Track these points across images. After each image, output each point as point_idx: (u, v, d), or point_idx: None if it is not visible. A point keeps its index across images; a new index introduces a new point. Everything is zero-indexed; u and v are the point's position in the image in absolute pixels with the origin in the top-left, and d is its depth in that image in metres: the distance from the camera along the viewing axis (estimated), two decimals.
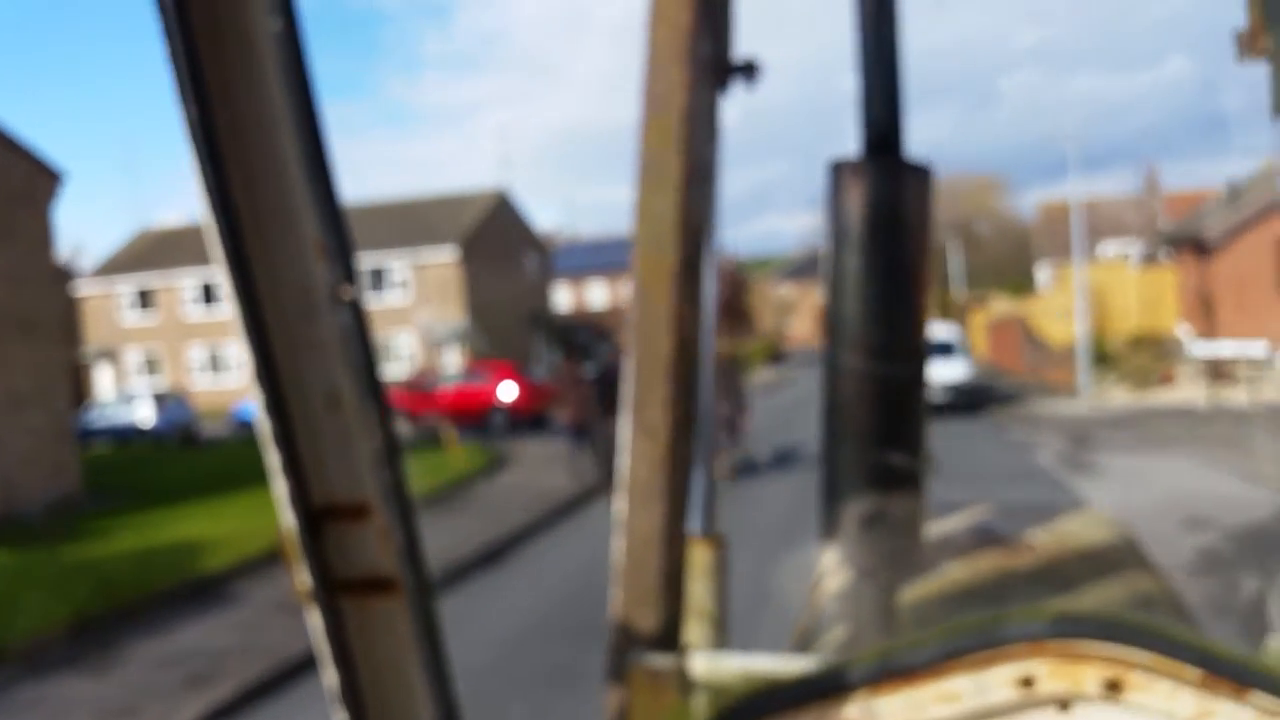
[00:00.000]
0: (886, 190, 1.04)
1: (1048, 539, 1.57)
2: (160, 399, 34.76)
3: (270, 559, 12.55)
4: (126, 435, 33.54)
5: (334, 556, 0.91)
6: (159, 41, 0.79)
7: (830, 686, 1.00)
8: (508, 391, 29.12)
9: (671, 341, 1.01)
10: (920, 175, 1.05)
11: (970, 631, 0.99)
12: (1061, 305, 36.53)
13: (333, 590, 0.90)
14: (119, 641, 9.51)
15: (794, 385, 40.90)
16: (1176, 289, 35.21)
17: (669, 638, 1.06)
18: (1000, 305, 51.41)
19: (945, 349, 27.23)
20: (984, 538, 1.60)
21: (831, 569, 1.48)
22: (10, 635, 9.42)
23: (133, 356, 52.87)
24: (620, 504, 1.07)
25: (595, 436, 17.34)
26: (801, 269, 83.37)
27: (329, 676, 0.91)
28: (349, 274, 0.86)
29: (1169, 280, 35.96)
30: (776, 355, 65.90)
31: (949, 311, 64.29)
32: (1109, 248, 52.43)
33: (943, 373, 26.03)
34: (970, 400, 26.18)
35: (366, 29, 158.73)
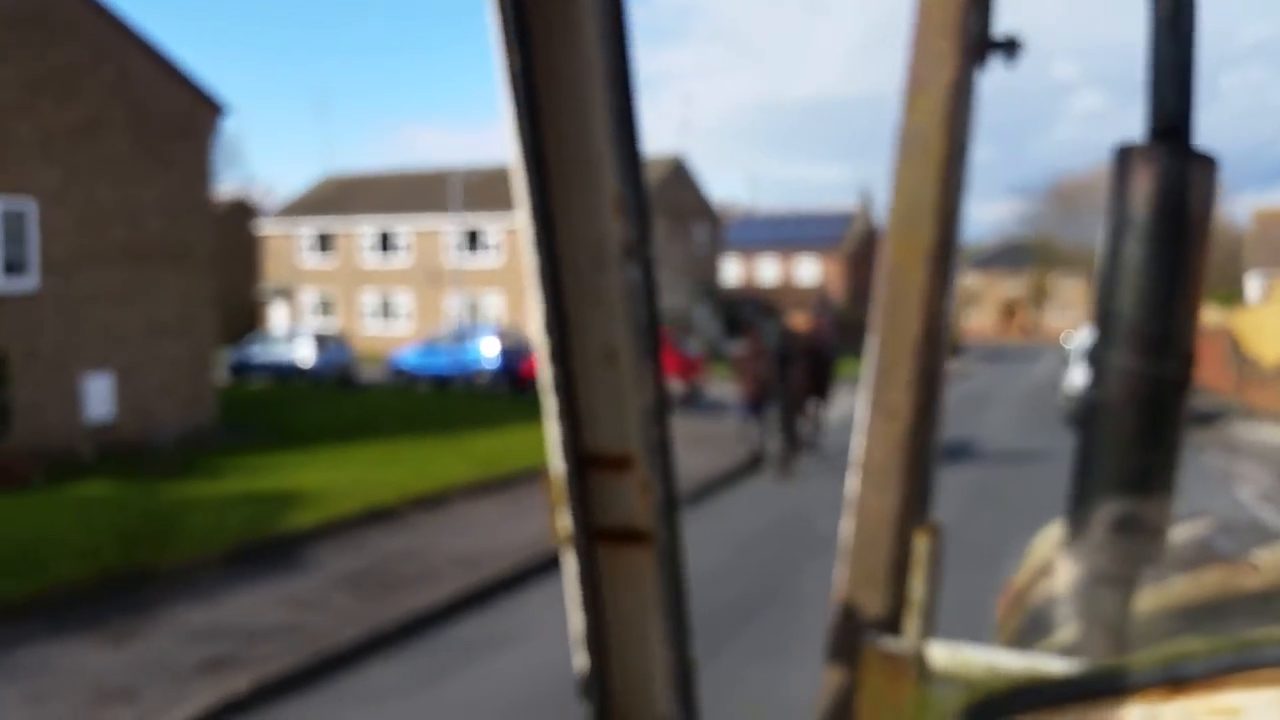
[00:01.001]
0: (1174, 179, 0.96)
1: (1273, 560, 1.38)
2: (321, 340, 35.00)
3: (364, 521, 11.68)
4: (286, 372, 34.02)
5: (595, 504, 0.93)
6: None
7: (1103, 688, 0.96)
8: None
9: (920, 323, 0.99)
10: (1208, 165, 0.97)
11: (1252, 646, 0.94)
12: (1273, 318, 32.94)
13: (590, 537, 0.93)
14: (155, 604, 8.67)
15: (970, 380, 38.47)
16: None
17: (894, 624, 1.03)
18: (1206, 315, 47.37)
19: None
20: (1206, 553, 1.42)
21: (1058, 567, 1.39)
22: (42, 583, 8.70)
23: (308, 297, 54.08)
24: (853, 485, 1.03)
25: (769, 411, 17.04)
26: (990, 259, 79.57)
27: (575, 620, 0.94)
28: (643, 232, 0.88)
29: None
30: (956, 348, 63.03)
31: None
32: None
33: None
34: None
35: None
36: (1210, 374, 37.53)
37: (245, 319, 53.85)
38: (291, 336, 35.09)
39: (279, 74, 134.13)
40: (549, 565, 10.17)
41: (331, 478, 14.34)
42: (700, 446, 18.61)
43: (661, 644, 0.97)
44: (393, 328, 50.49)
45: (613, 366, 0.91)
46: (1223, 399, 31.70)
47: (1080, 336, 26.73)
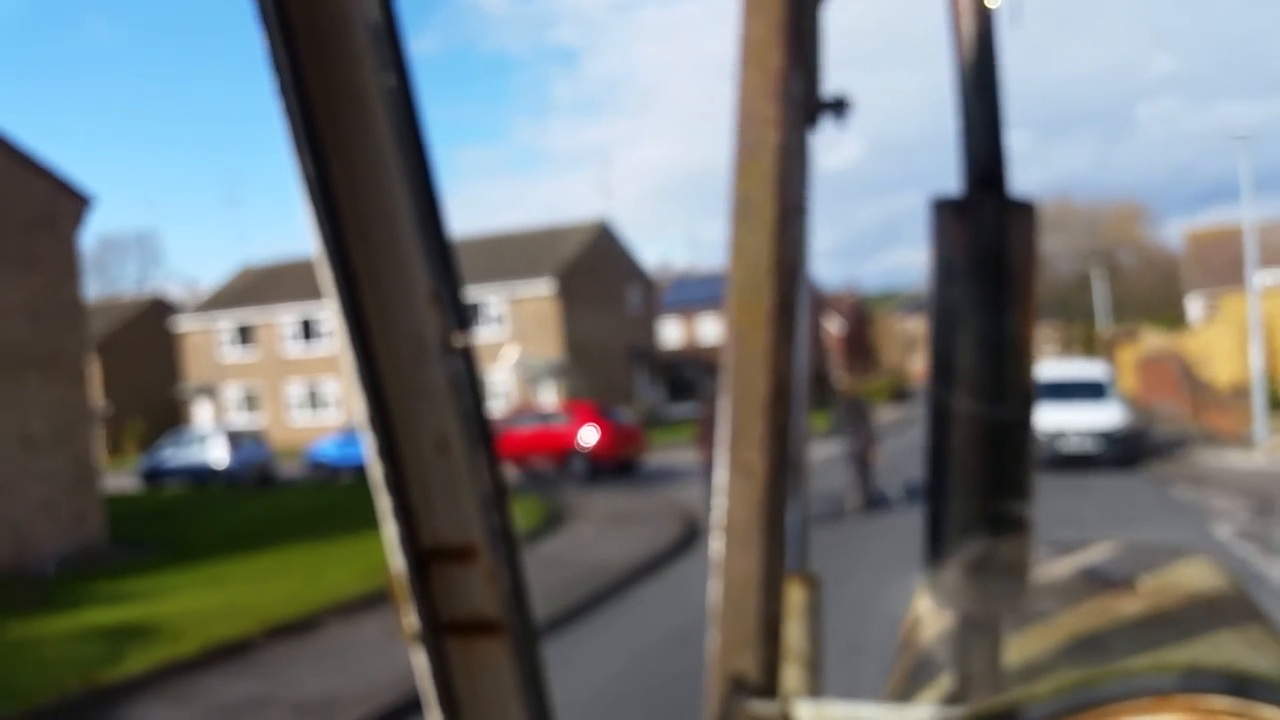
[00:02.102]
0: (990, 228, 0.99)
1: (1156, 584, 1.52)
2: (235, 437, 33.13)
3: (206, 661, 9.83)
4: (201, 475, 32.10)
5: (440, 598, 0.93)
6: (273, 96, 0.82)
7: None
8: (588, 435, 26.17)
9: (768, 381, 1.01)
10: (1025, 212, 1.00)
11: (1095, 684, 0.99)
12: (1225, 339, 31.99)
13: (438, 632, 0.93)
14: None
15: (919, 425, 37.11)
16: None
17: (769, 683, 1.04)
18: (1152, 340, 46.45)
19: (1094, 390, 23.26)
20: (1091, 581, 1.55)
21: (930, 615, 1.50)
22: None
23: (232, 392, 52.01)
24: (717, 546, 1.04)
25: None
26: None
27: (433, 718, 0.94)
28: (461, 321, 0.89)
29: None
30: (900, 393, 62.08)
31: (1093, 346, 59.59)
32: (1266, 278, 47.36)
33: (1093, 418, 22.08)
34: (1126, 451, 22.11)
35: (498, 76, 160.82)
36: (1162, 399, 36.47)
37: (168, 420, 51.57)
38: (204, 437, 33.13)
39: (192, 167, 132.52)
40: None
41: (202, 601, 12.53)
42: (623, 526, 16.92)
43: None
44: (321, 418, 48.55)
45: (445, 457, 0.91)
46: (1179, 425, 30.54)
47: (1044, 369, 25.48)
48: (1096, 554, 1.73)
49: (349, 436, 32.03)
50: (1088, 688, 0.97)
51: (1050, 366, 26.06)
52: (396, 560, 0.91)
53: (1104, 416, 22.08)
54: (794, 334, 1.05)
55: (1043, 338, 78.95)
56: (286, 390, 50.64)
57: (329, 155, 0.86)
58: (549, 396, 43.45)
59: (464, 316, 0.91)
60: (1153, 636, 1.26)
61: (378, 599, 12.25)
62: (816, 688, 1.30)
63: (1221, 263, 53.67)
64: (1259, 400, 23.70)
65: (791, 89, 1.00)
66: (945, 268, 0.99)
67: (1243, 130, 24.82)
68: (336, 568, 14.63)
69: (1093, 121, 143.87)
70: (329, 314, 0.88)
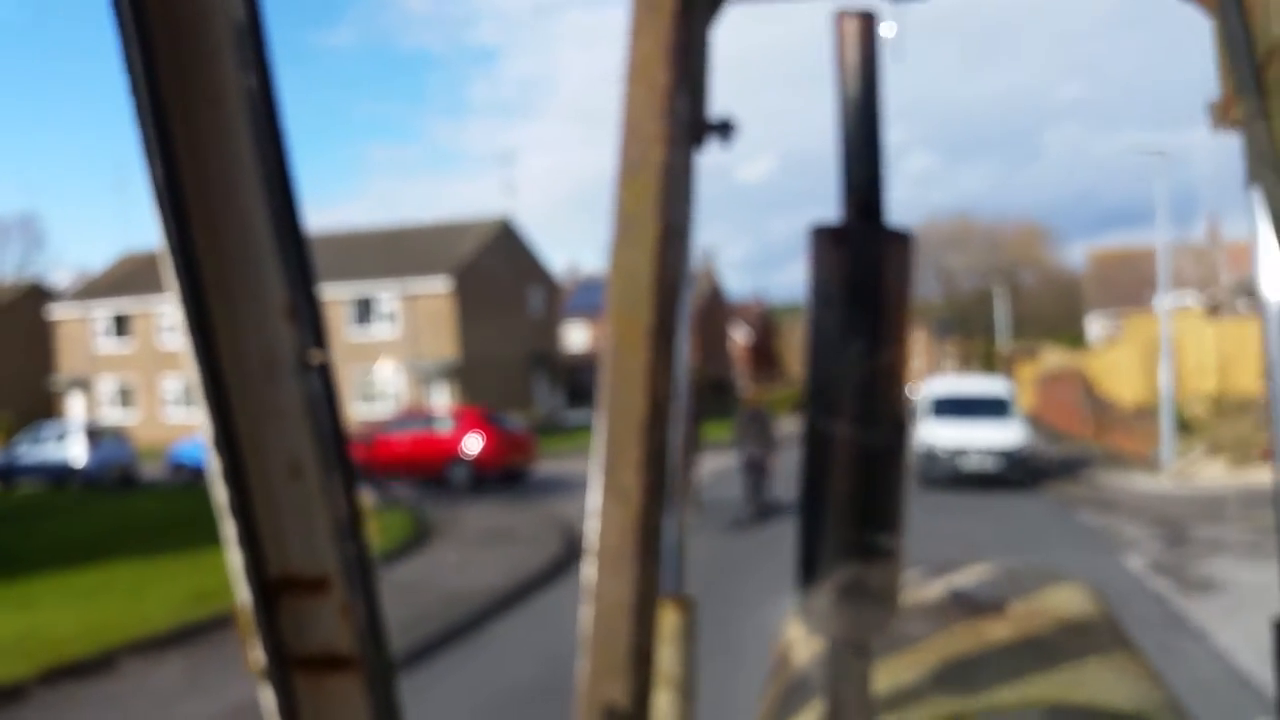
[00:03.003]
0: (866, 256, 1.00)
1: (1025, 609, 1.55)
2: (95, 435, 30.86)
3: (3, 697, 8.21)
4: (59, 474, 29.79)
5: (289, 632, 0.88)
6: (124, 92, 0.78)
7: None
8: (472, 443, 24.62)
9: (645, 402, 1.01)
10: (901, 242, 1.01)
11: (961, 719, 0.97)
12: (1129, 359, 31.63)
13: (287, 667, 0.88)
14: None
15: None
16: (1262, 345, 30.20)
17: (640, 712, 1.03)
18: (1052, 358, 46.32)
19: (996, 407, 22.46)
20: (962, 605, 1.57)
21: (802, 639, 1.51)
22: None
23: (106, 386, 49.22)
24: (589, 570, 1.03)
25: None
26: None
27: None
28: (318, 338, 0.85)
29: (1251, 333, 30.94)
30: (799, 406, 61.47)
31: (993, 363, 59.69)
32: (1165, 300, 47.78)
33: (993, 436, 21.25)
34: (1027, 471, 21.33)
35: (416, 74, 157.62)
36: (1063, 418, 36.13)
37: (40, 413, 48.54)
38: (61, 433, 30.79)
39: (80, 151, 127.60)
40: None
41: (2, 628, 10.77)
42: (495, 546, 15.46)
43: None
44: (198, 416, 46.02)
45: (298, 482, 0.86)
46: (1080, 445, 30.06)
47: (926, 388, 24.66)
48: (968, 576, 1.76)
49: None
50: None
51: (951, 382, 25.28)
52: (242, 591, 0.85)
53: (1005, 435, 21.31)
54: (673, 354, 1.04)
55: (942, 353, 79.39)
56: (162, 385, 48.06)
57: (180, 157, 0.80)
58: (441, 399, 41.72)
59: (321, 332, 0.85)
60: (1018, 665, 1.31)
61: (194, 632, 10.65)
62: (690, 714, 1.28)
63: (1123, 283, 54.22)
64: (1166, 422, 23.12)
65: (677, 108, 1.01)
66: (823, 293, 1.00)
67: (1159, 147, 24.24)
68: (163, 588, 12.97)
69: (998, 145, 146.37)
70: (177, 325, 0.81)
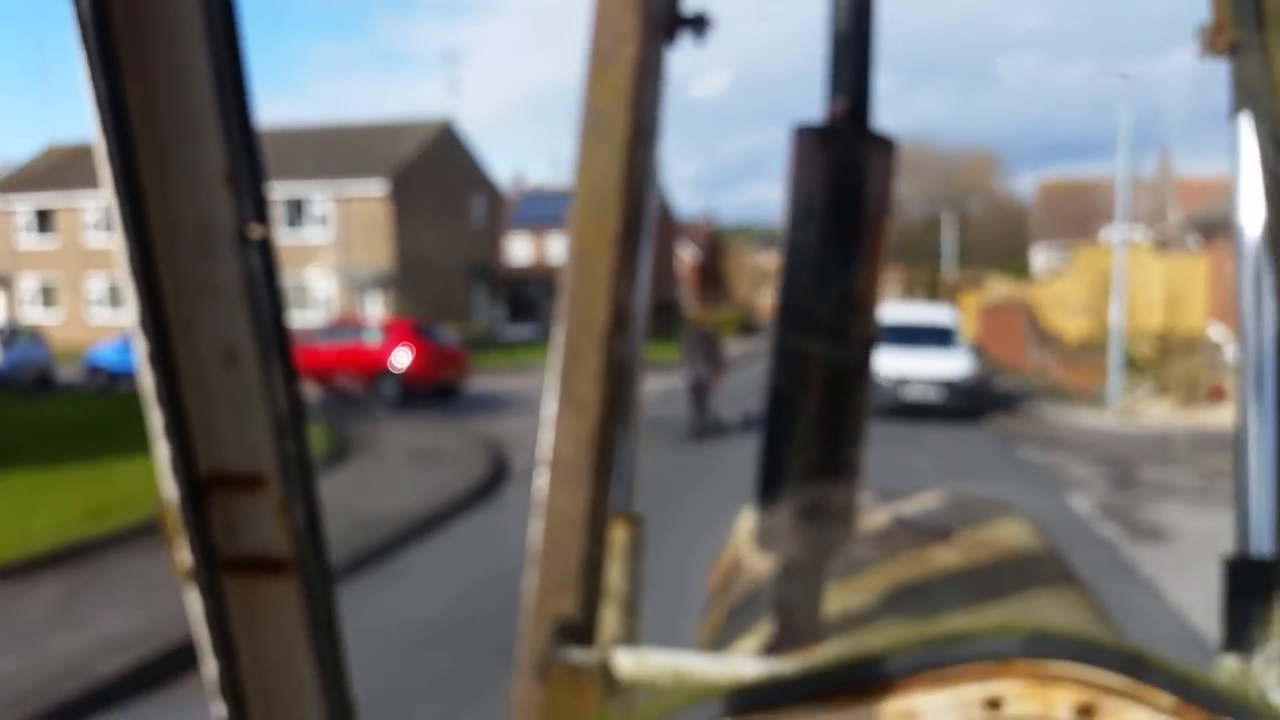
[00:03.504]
0: (850, 161, 1.00)
1: (972, 538, 1.53)
2: (7, 335, 29.34)
3: None
4: None
5: (220, 532, 0.83)
6: None
7: (786, 694, 0.94)
8: (401, 357, 23.65)
9: (607, 311, 0.96)
10: (885, 147, 1.01)
11: (934, 645, 0.97)
12: (1076, 291, 31.25)
13: (216, 569, 0.83)
14: None
15: (765, 359, 35.78)
16: (1209, 281, 29.95)
17: (588, 628, 1.01)
18: (998, 288, 45.99)
19: (941, 336, 21.90)
20: (909, 531, 1.56)
21: (750, 559, 1.48)
22: None
23: (28, 283, 47.28)
24: (541, 482, 1.00)
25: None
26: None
27: (208, 666, 0.84)
28: (260, 210, 0.78)
29: (1200, 271, 30.65)
30: (748, 326, 61.16)
31: (938, 291, 59.45)
32: (1112, 234, 47.69)
33: (938, 366, 20.70)
34: (971, 403, 20.85)
35: None
36: (1006, 350, 35.84)
37: None
38: None
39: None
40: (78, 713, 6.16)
41: None
42: (416, 466, 14.64)
43: (313, 687, 0.86)
44: (124, 317, 44.33)
45: (233, 370, 0.80)
46: (1024, 378, 29.75)
47: (888, 312, 24.06)
48: (915, 504, 1.75)
49: (130, 342, 28.77)
50: (927, 648, 0.96)
51: (895, 309, 24.67)
52: (169, 487, 0.79)
53: (949, 365, 20.78)
54: (638, 262, 1.00)
55: (887, 279, 79.23)
56: (87, 285, 46.26)
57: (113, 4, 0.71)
58: (375, 309, 40.52)
59: (264, 204, 0.78)
60: (966, 592, 1.31)
61: (78, 552, 9.75)
62: (634, 633, 1.26)
63: (1071, 215, 54.00)
64: (1115, 358, 22.72)
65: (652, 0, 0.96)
66: (803, 200, 0.97)
67: (1124, 71, 23.45)
68: (57, 501, 11.98)
69: (955, 69, 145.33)
70: (103, 193, 0.73)
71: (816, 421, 0.98)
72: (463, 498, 12.63)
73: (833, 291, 0.96)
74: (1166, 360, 23.87)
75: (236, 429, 0.81)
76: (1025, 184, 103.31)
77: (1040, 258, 53.88)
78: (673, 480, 13.46)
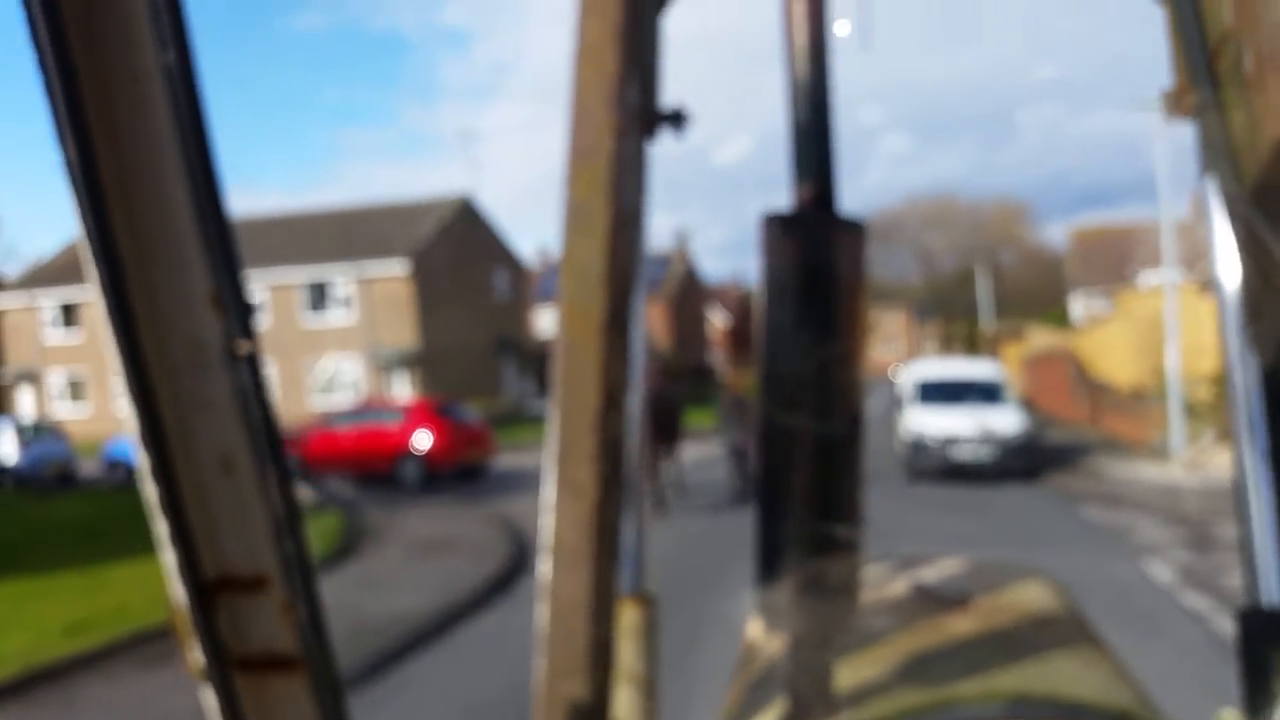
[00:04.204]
0: (819, 246, 1.02)
1: (990, 604, 1.55)
2: (24, 431, 28.83)
3: None
4: None
5: (228, 633, 0.86)
6: (34, 70, 0.75)
7: None
8: (421, 438, 22.72)
9: (599, 395, 0.99)
10: (854, 231, 1.04)
11: (923, 713, 0.98)
12: (1123, 338, 29.96)
13: (228, 669, 0.86)
14: None
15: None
16: None
17: (601, 711, 1.02)
18: (1039, 338, 44.62)
19: (988, 391, 20.70)
20: (926, 599, 1.58)
21: (764, 636, 1.53)
22: None
23: (55, 379, 47.01)
24: (545, 568, 1.01)
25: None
26: None
27: None
28: (246, 327, 0.83)
29: None
30: (758, 397, 60.02)
31: (977, 344, 58.12)
32: (1151, 278, 46.47)
33: (987, 423, 19.42)
34: (1025, 461, 19.52)
35: (387, 57, 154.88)
36: (1054, 401, 34.44)
37: None
38: None
39: (31, 136, 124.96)
40: None
41: None
42: (429, 558, 13.56)
43: None
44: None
45: (231, 477, 0.84)
46: (1076, 430, 28.39)
47: (909, 372, 22.94)
48: (933, 571, 1.75)
49: None
50: (914, 716, 0.92)
51: (937, 365, 23.51)
52: (178, 591, 0.83)
53: (999, 421, 19.54)
54: (628, 345, 1.03)
55: (923, 335, 77.94)
56: (114, 378, 45.80)
57: (95, 139, 0.76)
58: (403, 389, 39.79)
59: (249, 320, 0.83)
60: (982, 659, 1.30)
61: (45, 677, 8.77)
62: (653, 714, 1.28)
63: (1107, 261, 52.75)
64: (1175, 406, 21.40)
65: (628, 96, 1.01)
66: (775, 283, 1.00)
67: (1150, 120, 22.40)
68: (39, 614, 11.09)
69: (974, 125, 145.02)
70: (98, 315, 0.79)
71: (809, 497, 0.99)
72: (475, 594, 11.59)
73: (811, 369, 0.98)
74: (1225, 406, 22.49)
75: (237, 532, 0.84)
76: (1055, 232, 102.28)
77: (1079, 305, 52.58)
78: (718, 545, 12.74)
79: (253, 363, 0.82)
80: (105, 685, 8.51)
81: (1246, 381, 1.15)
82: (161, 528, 0.82)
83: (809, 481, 0.99)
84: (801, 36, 0.99)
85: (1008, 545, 13.05)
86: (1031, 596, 1.62)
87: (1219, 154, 1.18)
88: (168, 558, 0.83)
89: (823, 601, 1.00)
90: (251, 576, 0.85)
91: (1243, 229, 1.16)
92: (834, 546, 1.00)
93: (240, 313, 0.82)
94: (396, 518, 17.35)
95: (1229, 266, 1.18)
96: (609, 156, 0.98)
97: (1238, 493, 1.15)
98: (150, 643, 9.80)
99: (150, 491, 0.82)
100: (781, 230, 1.00)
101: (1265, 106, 1.14)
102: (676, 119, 1.21)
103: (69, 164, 0.76)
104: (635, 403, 1.22)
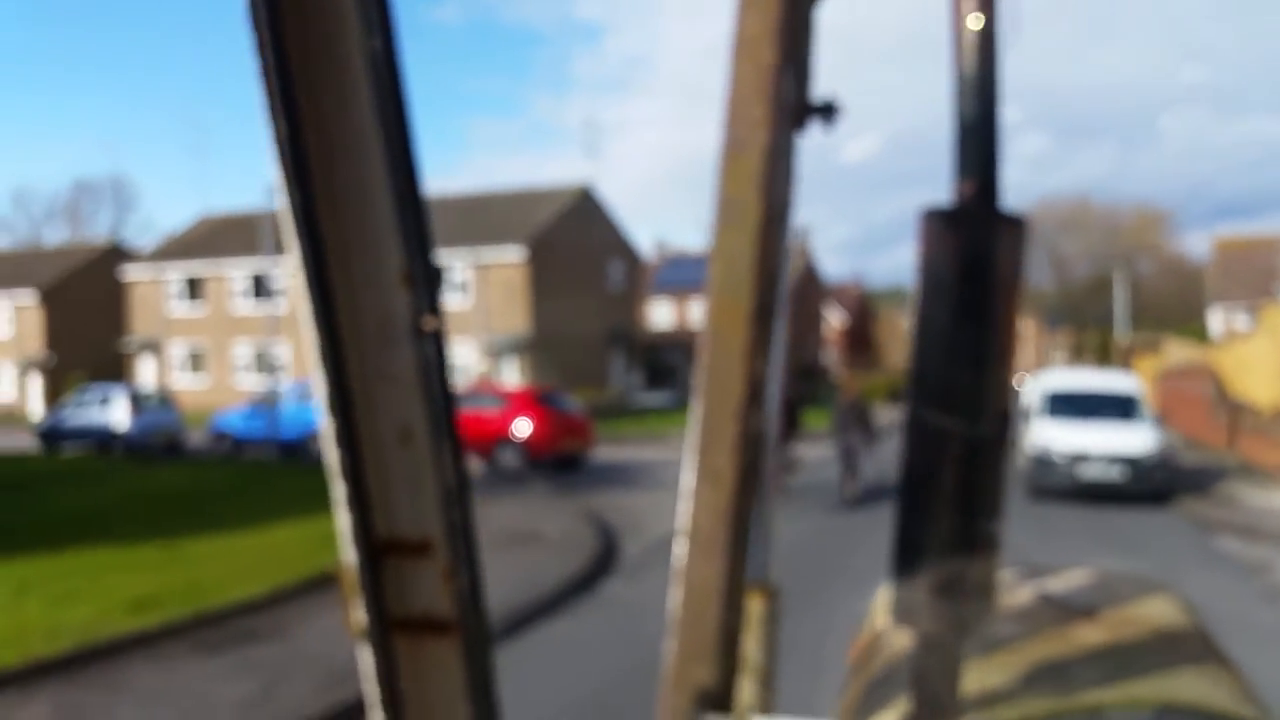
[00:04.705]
0: (979, 242, 0.99)
1: (1117, 615, 1.54)
2: (138, 400, 29.42)
3: None
4: (103, 439, 28.63)
5: (392, 594, 0.90)
6: (250, 54, 0.78)
7: None
8: (521, 426, 22.32)
9: (742, 386, 1.01)
10: (1015, 227, 1.00)
11: (1066, 716, 0.97)
12: (1264, 355, 27.99)
13: (387, 629, 0.90)
14: None
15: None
16: None
17: (726, 697, 1.05)
18: (1176, 352, 42.28)
19: (1124, 406, 19.23)
20: (1054, 608, 1.56)
21: (889, 633, 1.50)
22: None
23: (177, 349, 48.26)
24: (680, 552, 1.04)
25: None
26: None
27: (376, 719, 0.91)
28: (434, 304, 0.86)
29: None
30: (898, 394, 58.32)
31: (1109, 355, 55.67)
32: None
33: (1120, 441, 18.01)
34: (1158, 484, 18.06)
35: (521, 50, 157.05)
36: (1190, 421, 32.47)
37: (112, 374, 47.79)
38: (105, 397, 29.40)
39: (160, 113, 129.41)
40: None
41: None
42: (515, 549, 13.03)
43: None
44: (267, 382, 44.80)
45: (408, 447, 0.87)
46: (1213, 453, 26.60)
47: (1037, 382, 21.61)
48: (1060, 581, 1.72)
49: (256, 408, 28.40)
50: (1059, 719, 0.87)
51: (1067, 376, 21.99)
52: (348, 552, 0.87)
53: (1133, 439, 18.11)
54: (772, 339, 1.03)
55: (1052, 344, 75.08)
56: (233, 351, 46.88)
57: (304, 119, 0.80)
58: (512, 375, 39.64)
59: (437, 298, 0.86)
60: (1114, 668, 1.29)
61: (101, 654, 8.43)
62: (771, 704, 1.27)
63: (1252, 274, 49.89)
64: None
65: (783, 89, 1.00)
66: (932, 279, 0.99)
67: None
68: (110, 586, 10.89)
69: (1115, 128, 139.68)
70: (292, 284, 0.83)
71: (952, 496, 0.97)
72: (556, 593, 11.00)
73: (965, 367, 0.97)
74: None
75: (409, 499, 0.87)
76: (1195, 242, 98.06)
77: (1218, 319, 49.86)
78: (828, 547, 12.84)
79: (437, 338, 0.85)
80: (153, 669, 8.14)
81: None
82: (339, 490, 0.84)
83: (955, 480, 0.97)
84: (971, 23, 0.96)
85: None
86: (1159, 611, 1.60)
87: None
88: (342, 519, 0.85)
89: (960, 602, 0.97)
90: (418, 541, 0.87)
91: None
92: (976, 546, 0.97)
93: (429, 290, 0.84)
94: (487, 504, 16.94)
95: None
96: (762, 150, 0.99)
97: None
98: (209, 626, 9.47)
99: (331, 456, 0.84)
100: (942, 225, 0.97)
101: None
102: (828, 111, 1.19)
103: (278, 142, 0.78)
104: (776, 395, 1.21)
